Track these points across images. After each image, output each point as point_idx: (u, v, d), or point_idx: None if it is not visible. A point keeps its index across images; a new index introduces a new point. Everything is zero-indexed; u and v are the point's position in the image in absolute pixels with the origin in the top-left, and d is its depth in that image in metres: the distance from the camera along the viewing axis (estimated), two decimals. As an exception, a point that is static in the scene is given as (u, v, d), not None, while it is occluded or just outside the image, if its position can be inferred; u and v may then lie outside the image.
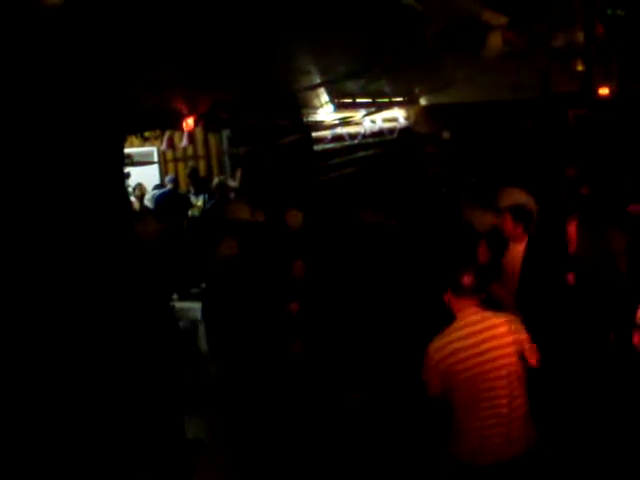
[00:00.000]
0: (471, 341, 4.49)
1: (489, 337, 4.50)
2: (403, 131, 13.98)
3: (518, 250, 6.62)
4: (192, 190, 11.32)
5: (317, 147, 11.30)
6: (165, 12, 6.15)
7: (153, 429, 5.58)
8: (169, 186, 11.23)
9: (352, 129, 12.20)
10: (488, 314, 4.61)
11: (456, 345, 4.50)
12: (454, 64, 11.33)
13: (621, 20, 10.44)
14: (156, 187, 11.59)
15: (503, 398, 4.46)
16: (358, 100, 11.75)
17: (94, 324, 5.24)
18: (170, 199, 10.74)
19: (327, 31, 8.50)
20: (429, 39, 8.86)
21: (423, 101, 14.12)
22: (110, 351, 5.30)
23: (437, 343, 4.57)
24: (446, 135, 14.19)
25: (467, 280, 4.57)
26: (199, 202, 10.89)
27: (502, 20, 8.91)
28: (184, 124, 8.48)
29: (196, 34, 6.77)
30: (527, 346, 4.57)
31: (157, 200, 10.69)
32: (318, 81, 10.29)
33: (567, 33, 11.67)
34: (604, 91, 13.24)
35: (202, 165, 12.50)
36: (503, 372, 4.47)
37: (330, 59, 9.76)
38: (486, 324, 4.54)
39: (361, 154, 12.63)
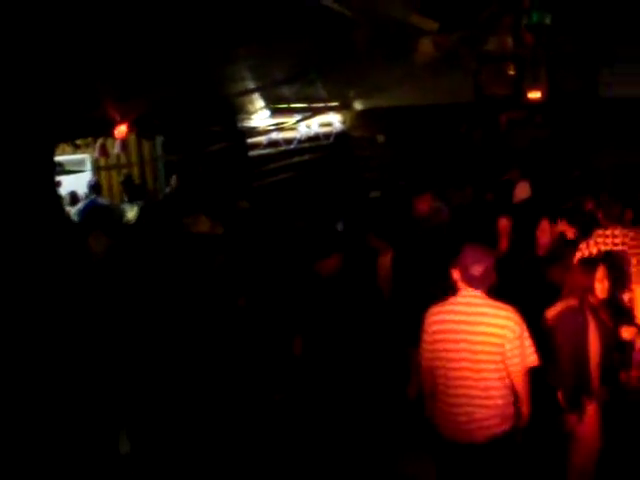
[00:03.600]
0: (458, 318, 4.79)
1: (473, 322, 4.73)
2: (339, 135, 14.04)
3: (384, 262, 7.12)
4: (126, 198, 11.14)
5: (253, 153, 11.27)
6: (95, 17, 6.06)
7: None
8: (91, 196, 10.46)
9: (288, 134, 12.20)
10: (485, 301, 4.81)
11: (446, 316, 4.86)
12: (386, 68, 11.44)
13: (548, 27, 10.66)
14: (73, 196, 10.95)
15: (471, 380, 4.75)
16: (293, 105, 11.75)
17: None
18: (95, 211, 9.79)
19: (260, 37, 8.49)
20: (359, 44, 8.93)
21: (358, 105, 14.20)
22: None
23: (434, 308, 4.95)
24: (381, 139, 14.29)
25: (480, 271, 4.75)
26: (133, 211, 10.63)
27: (432, 25, 9.03)
28: (116, 131, 8.35)
29: (127, 40, 6.68)
30: (509, 346, 4.69)
31: (83, 213, 9.95)
32: (252, 87, 10.26)
33: (497, 38, 11.88)
34: (535, 94, 13.51)
35: (136, 172, 12.34)
36: (477, 358, 4.71)
37: (264, 65, 9.73)
38: (477, 309, 4.77)
39: (297, 159, 12.64)
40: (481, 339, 4.70)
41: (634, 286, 6.19)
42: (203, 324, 5.92)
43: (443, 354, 4.84)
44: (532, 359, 4.83)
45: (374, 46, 9.68)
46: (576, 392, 5.33)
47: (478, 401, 4.74)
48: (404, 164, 13.48)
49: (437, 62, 11.38)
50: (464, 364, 4.74)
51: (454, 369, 4.79)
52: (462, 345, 4.74)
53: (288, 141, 12.22)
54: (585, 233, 7.13)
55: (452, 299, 4.92)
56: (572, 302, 5.43)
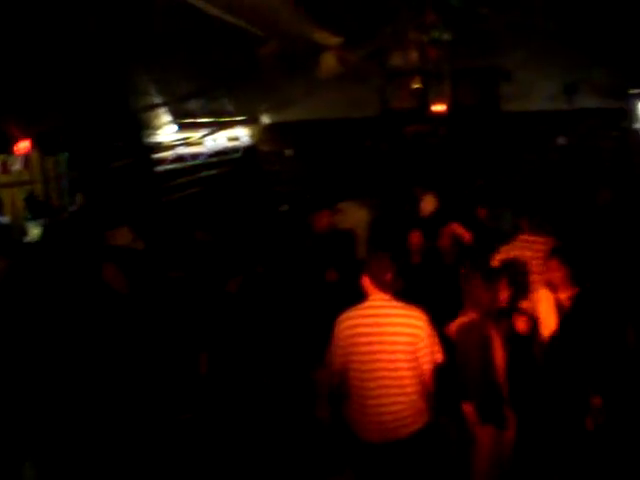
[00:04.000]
0: (372, 320, 5.03)
1: (387, 323, 5.00)
2: (247, 150, 14.03)
3: None
4: (29, 216, 10.82)
5: (159, 168, 11.15)
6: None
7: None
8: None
9: (195, 149, 12.12)
10: (395, 304, 5.11)
11: (359, 320, 5.06)
12: (293, 83, 11.53)
13: (450, 42, 10.89)
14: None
15: (389, 379, 4.96)
16: (200, 120, 11.68)
17: None
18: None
19: (166, 52, 8.44)
20: (265, 59, 8.96)
21: (266, 119, 14.24)
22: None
23: (345, 314, 5.15)
24: (289, 152, 14.36)
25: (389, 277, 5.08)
26: (37, 229, 10.31)
27: (335, 40, 9.12)
28: (16, 147, 8.15)
29: (30, 56, 6.56)
30: (421, 344, 5.00)
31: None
32: (158, 101, 10.17)
33: (402, 52, 12.08)
34: (439, 107, 13.78)
35: (39, 189, 12.03)
36: (392, 357, 4.94)
37: (170, 79, 9.67)
38: (390, 311, 5.05)
39: (205, 174, 12.56)
40: (396, 339, 4.94)
41: (542, 291, 6.31)
42: (107, 345, 5.82)
43: (360, 357, 5.00)
44: (439, 356, 5.12)
45: (279, 61, 9.73)
46: (487, 404, 5.43)
47: (398, 398, 4.97)
48: (313, 178, 13.57)
49: (343, 76, 11.51)
50: (382, 364, 4.95)
51: (372, 370, 4.97)
52: (379, 347, 4.96)
53: (195, 156, 12.15)
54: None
55: (364, 304, 5.14)
56: (475, 315, 5.53)
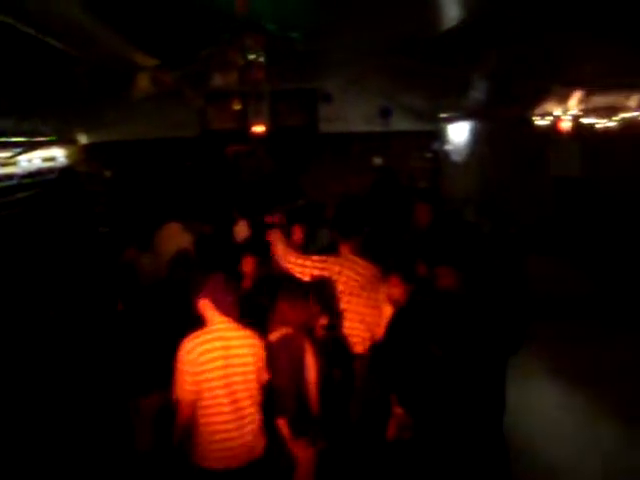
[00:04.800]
0: (222, 344, 4.98)
1: (236, 345, 5.02)
2: (64, 170, 13.61)
3: None
4: None
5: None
6: None
7: None
8: None
9: (8, 170, 11.62)
10: (237, 326, 5.11)
11: (210, 345, 4.96)
12: (110, 103, 11.35)
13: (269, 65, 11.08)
14: None
15: (246, 400, 5.02)
16: (11, 139, 11.22)
17: None
18: None
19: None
20: (80, 79, 8.79)
21: (83, 139, 13.93)
22: None
23: (193, 340, 4.98)
24: (107, 173, 14.12)
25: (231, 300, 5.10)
26: None
27: (150, 61, 9.09)
28: None
29: None
30: (261, 364, 5.12)
31: None
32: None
33: (222, 74, 12.18)
34: (258, 128, 14.01)
35: None
36: (245, 378, 5.02)
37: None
38: (235, 334, 5.07)
39: (21, 195, 12.07)
40: (246, 360, 5.01)
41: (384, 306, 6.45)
42: None
43: (216, 382, 4.94)
44: (266, 375, 5.22)
45: (96, 81, 9.57)
46: (299, 419, 5.50)
47: (254, 417, 5.07)
48: (133, 198, 13.41)
49: (162, 97, 11.47)
50: (238, 387, 4.98)
51: (230, 393, 4.97)
52: (232, 369, 4.96)
53: (8, 177, 11.63)
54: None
55: (209, 328, 5.07)
56: (287, 330, 5.59)
